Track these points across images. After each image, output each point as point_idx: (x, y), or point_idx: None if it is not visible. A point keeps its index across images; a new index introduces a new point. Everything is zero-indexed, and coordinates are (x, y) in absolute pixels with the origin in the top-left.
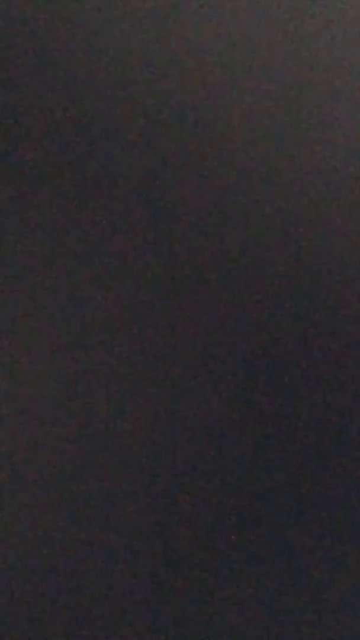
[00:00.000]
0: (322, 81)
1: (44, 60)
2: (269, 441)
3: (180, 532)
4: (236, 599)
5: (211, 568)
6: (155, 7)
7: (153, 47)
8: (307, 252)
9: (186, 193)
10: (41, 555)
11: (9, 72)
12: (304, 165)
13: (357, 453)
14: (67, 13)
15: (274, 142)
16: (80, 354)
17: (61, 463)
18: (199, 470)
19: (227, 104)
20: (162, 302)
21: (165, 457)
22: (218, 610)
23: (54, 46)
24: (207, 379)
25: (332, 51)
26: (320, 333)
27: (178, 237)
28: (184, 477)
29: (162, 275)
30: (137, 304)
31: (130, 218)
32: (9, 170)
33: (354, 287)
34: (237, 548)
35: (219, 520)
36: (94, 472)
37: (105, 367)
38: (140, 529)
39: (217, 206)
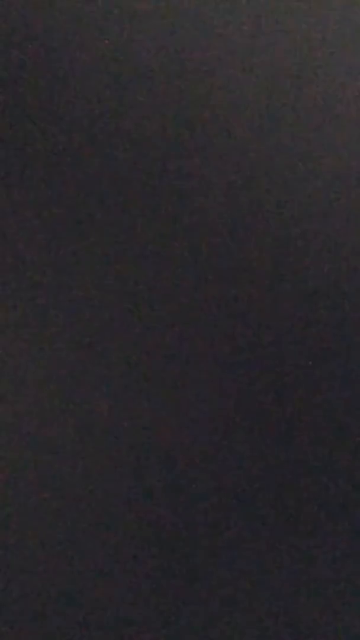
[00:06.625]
0: (322, 81)
1: (43, 59)
2: (269, 440)
3: (180, 532)
4: (236, 599)
5: (211, 568)
6: (155, 7)
7: (153, 47)
8: (308, 252)
9: (186, 193)
10: (40, 554)
11: (9, 72)
12: (304, 166)
13: (358, 453)
14: (67, 13)
15: (274, 143)
16: (79, 354)
17: (61, 462)
18: (199, 469)
19: (227, 105)
20: (162, 301)
21: (165, 456)
22: (218, 610)
23: (54, 46)
24: (207, 379)
25: (332, 52)
26: (321, 333)
27: (178, 236)
28: (184, 476)
29: (162, 275)
30: (136, 303)
31: (129, 218)
32: (8, 170)
33: (354, 287)
34: (236, 548)
35: (218, 519)
36: (93, 472)
37: (105, 367)
38: (140, 529)
39: (217, 207)
